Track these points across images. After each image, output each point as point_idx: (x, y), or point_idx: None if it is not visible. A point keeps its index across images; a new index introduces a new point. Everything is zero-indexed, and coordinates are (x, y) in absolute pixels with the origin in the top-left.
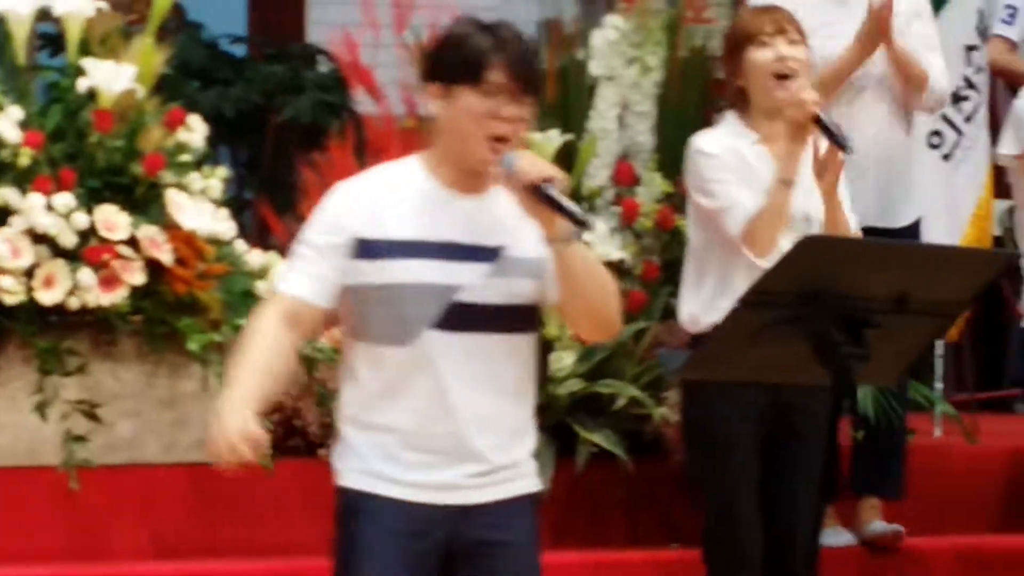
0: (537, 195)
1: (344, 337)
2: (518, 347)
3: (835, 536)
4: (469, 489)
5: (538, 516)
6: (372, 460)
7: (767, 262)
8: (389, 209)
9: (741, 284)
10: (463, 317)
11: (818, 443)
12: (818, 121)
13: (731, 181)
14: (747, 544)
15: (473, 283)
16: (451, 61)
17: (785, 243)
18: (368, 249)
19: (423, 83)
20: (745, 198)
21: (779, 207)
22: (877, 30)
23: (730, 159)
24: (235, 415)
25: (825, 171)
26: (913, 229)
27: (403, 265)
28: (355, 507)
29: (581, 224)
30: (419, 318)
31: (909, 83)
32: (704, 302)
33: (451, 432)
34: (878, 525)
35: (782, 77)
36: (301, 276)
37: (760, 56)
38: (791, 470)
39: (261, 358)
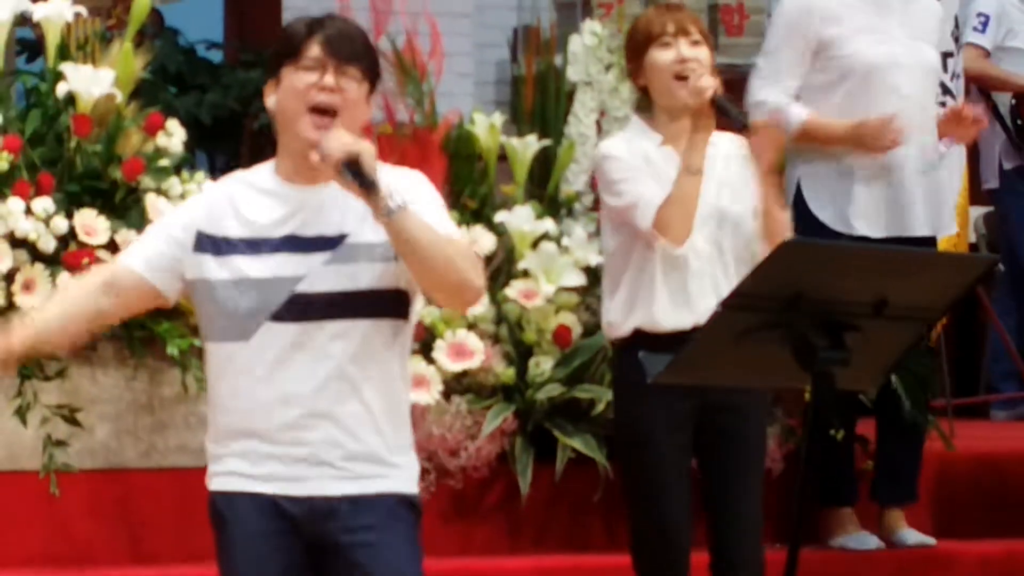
0: (345, 172)
1: (202, 343)
2: (378, 333)
3: (861, 540)
4: (318, 480)
5: (411, 519)
6: (231, 462)
7: (680, 250)
8: (236, 207)
9: (656, 285)
10: (302, 307)
11: (755, 443)
12: (715, 103)
13: (637, 179)
14: (675, 549)
15: (311, 273)
16: (275, 51)
17: (700, 239)
18: (209, 244)
19: (263, 92)
20: (653, 192)
21: (687, 194)
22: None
23: (636, 159)
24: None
25: (762, 150)
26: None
27: (242, 261)
28: (220, 512)
29: (369, 186)
30: (257, 312)
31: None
32: (620, 308)
33: (297, 423)
34: (909, 535)
35: (682, 79)
36: (134, 248)
37: (662, 57)
38: (727, 473)
39: (60, 306)
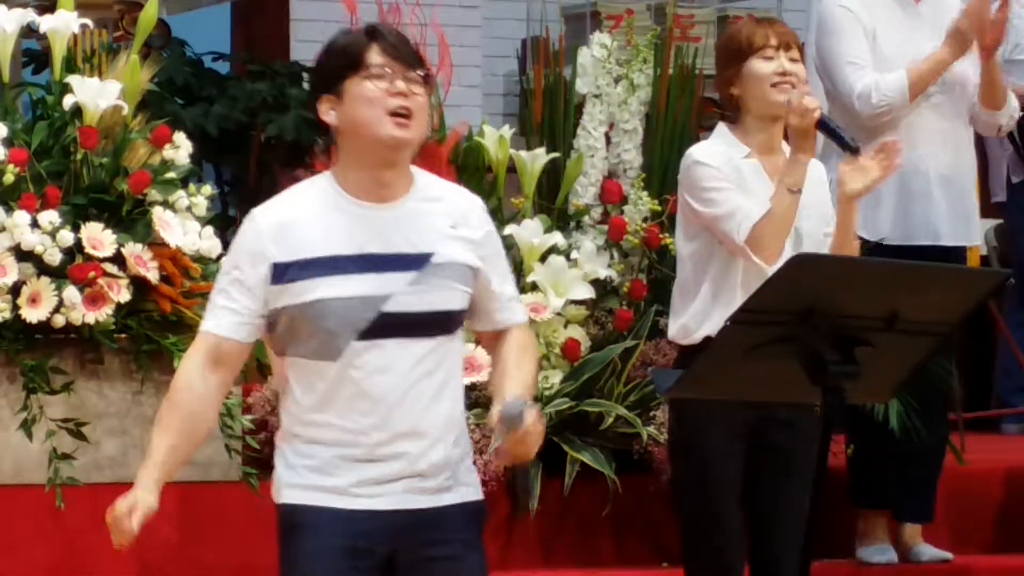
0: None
1: (275, 356)
2: (445, 352)
3: (879, 553)
4: (405, 494)
5: (482, 527)
6: (308, 474)
7: (771, 269)
8: (303, 229)
9: (737, 295)
10: (389, 327)
11: (805, 457)
12: (822, 125)
13: (730, 189)
14: (732, 561)
15: (397, 292)
16: (330, 64)
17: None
18: (286, 273)
19: (314, 106)
20: (748, 206)
21: (785, 213)
22: (972, 27)
23: (726, 169)
24: (133, 493)
25: (851, 178)
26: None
27: (323, 282)
28: (295, 522)
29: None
30: (345, 331)
31: (992, 98)
32: (696, 314)
33: (383, 441)
34: (925, 551)
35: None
36: (222, 312)
37: (764, 68)
38: (777, 486)
39: (183, 424)
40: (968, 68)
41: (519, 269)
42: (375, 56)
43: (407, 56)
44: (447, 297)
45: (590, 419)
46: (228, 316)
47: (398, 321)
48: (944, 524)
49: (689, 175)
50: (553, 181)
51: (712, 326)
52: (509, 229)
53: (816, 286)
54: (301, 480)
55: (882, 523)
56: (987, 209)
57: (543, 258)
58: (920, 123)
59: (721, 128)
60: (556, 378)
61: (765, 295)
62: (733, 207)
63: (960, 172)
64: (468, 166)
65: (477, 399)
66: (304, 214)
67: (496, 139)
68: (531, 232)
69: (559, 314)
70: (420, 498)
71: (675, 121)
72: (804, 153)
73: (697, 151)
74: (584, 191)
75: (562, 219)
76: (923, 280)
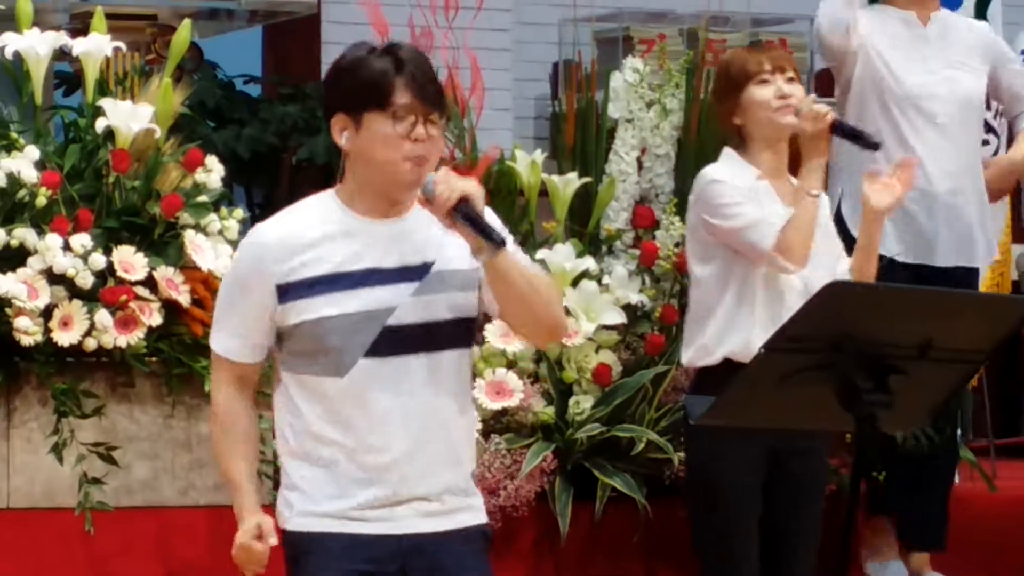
0: (457, 216)
1: (279, 370)
2: (454, 363)
3: (891, 571)
4: (411, 518)
5: (488, 550)
6: (318, 499)
7: (799, 270)
8: (306, 248)
9: (756, 312)
10: (395, 341)
11: (817, 484)
12: (838, 128)
13: (748, 203)
14: None
15: (401, 304)
16: (354, 88)
17: (794, 276)
18: (290, 292)
19: (327, 117)
20: (768, 214)
21: (809, 216)
22: None
23: (741, 186)
24: (249, 520)
25: (879, 195)
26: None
27: (328, 300)
28: (305, 549)
29: (497, 242)
30: (352, 348)
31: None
32: (715, 334)
33: (390, 460)
34: None
35: (784, 109)
36: (233, 337)
37: (762, 93)
38: (792, 513)
39: (245, 446)
40: (973, 85)
41: None
42: (401, 95)
43: (431, 95)
44: (451, 305)
45: (621, 444)
46: (235, 340)
47: (404, 335)
48: (975, 551)
49: (705, 194)
50: (585, 206)
51: (731, 346)
52: (541, 254)
53: (850, 314)
54: (309, 506)
55: (889, 536)
56: (1020, 234)
57: (575, 283)
58: (927, 143)
59: (728, 152)
60: (587, 403)
61: (799, 323)
62: (756, 217)
63: (965, 192)
64: (500, 190)
65: (508, 424)
66: (307, 232)
67: (528, 163)
68: (563, 257)
69: (590, 339)
70: (426, 521)
71: (707, 146)
72: (817, 158)
73: (711, 171)
74: (616, 216)
75: (594, 244)
76: (957, 307)
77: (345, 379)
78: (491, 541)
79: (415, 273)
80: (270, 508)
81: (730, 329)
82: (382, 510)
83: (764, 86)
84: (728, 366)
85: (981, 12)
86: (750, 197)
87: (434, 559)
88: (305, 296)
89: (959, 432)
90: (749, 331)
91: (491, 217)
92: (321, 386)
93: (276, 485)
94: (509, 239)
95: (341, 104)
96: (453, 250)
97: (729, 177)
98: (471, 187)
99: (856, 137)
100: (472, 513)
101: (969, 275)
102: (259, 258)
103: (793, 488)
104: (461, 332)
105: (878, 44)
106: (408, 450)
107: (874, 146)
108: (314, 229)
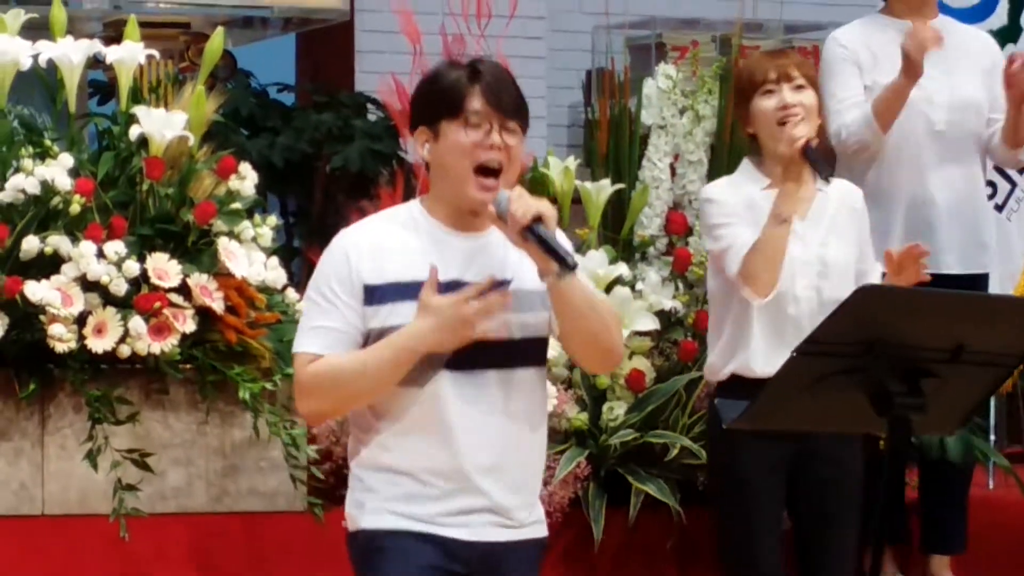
0: (529, 236)
1: None
2: (529, 381)
3: None
4: (484, 527)
5: (542, 561)
6: (392, 500)
7: (761, 302)
8: (392, 253)
9: (753, 333)
10: (474, 355)
11: (850, 490)
12: (805, 153)
13: (735, 223)
14: None
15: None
16: (430, 100)
17: (800, 286)
18: (376, 294)
19: (412, 132)
20: (747, 239)
21: (773, 243)
22: (914, 47)
23: (738, 204)
24: (425, 316)
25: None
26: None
27: (413, 307)
28: (380, 546)
29: (568, 265)
30: (434, 358)
31: (1016, 140)
32: (722, 352)
33: (463, 471)
34: None
35: (784, 125)
36: (323, 332)
37: (765, 104)
38: (822, 519)
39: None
40: (977, 93)
41: None
42: (475, 102)
43: (508, 103)
44: (526, 324)
45: (655, 450)
46: (327, 335)
47: (482, 350)
48: (1011, 557)
49: (701, 213)
50: (618, 212)
51: (737, 364)
52: None
53: (882, 317)
54: (383, 505)
55: (888, 556)
56: None
57: (608, 289)
58: (926, 151)
59: (745, 163)
60: (621, 409)
61: (831, 326)
62: (733, 241)
63: (970, 198)
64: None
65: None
66: (393, 238)
67: (562, 170)
68: (596, 263)
69: (624, 345)
70: (498, 531)
71: (740, 152)
72: (792, 183)
73: (709, 189)
74: (649, 222)
75: (627, 250)
76: (989, 311)
77: (424, 389)
78: (546, 551)
79: (494, 289)
80: (301, 515)
81: (735, 347)
82: (456, 517)
83: (768, 96)
84: (736, 381)
85: (1015, 19)
86: (744, 215)
87: (496, 566)
88: (390, 301)
89: (991, 438)
90: (748, 347)
91: (562, 239)
92: (398, 395)
93: (310, 491)
94: (576, 263)
95: (421, 117)
96: (529, 271)
97: (726, 193)
98: (545, 207)
99: (813, 165)
100: (539, 526)
101: (977, 282)
102: (348, 256)
103: (822, 495)
104: (534, 350)
105: (869, 57)
106: (483, 463)
107: (824, 178)
108: (401, 236)
